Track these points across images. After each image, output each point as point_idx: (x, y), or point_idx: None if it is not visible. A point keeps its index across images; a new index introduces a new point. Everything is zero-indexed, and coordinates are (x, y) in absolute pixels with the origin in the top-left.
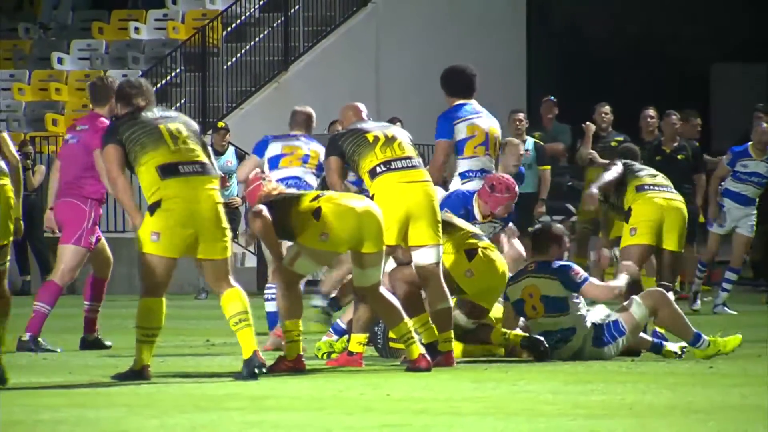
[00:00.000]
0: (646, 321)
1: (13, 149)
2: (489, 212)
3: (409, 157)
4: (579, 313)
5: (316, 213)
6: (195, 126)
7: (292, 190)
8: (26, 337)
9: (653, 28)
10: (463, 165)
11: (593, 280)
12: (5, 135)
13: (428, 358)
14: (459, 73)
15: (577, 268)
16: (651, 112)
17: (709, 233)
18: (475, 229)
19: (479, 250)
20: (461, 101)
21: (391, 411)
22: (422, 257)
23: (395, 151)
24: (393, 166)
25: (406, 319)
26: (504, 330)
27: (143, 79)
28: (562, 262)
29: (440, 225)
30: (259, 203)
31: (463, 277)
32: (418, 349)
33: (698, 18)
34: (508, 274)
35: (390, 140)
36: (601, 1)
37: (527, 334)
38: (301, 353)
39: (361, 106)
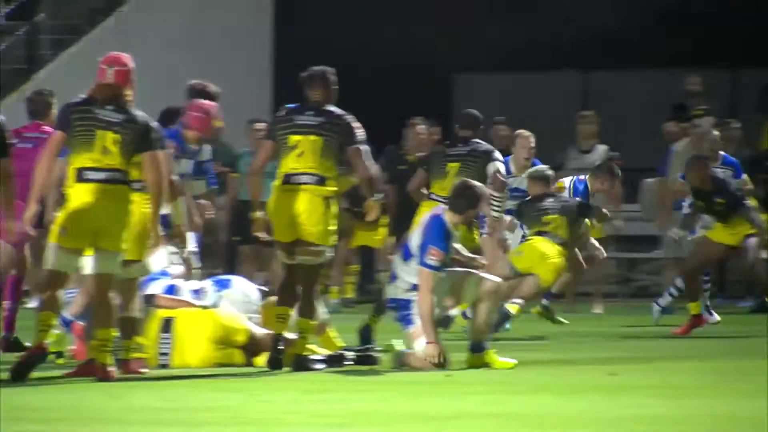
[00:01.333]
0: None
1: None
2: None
3: None
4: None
5: (65, 199)
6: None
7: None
8: None
9: (400, 38)
10: None
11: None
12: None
13: (112, 372)
14: None
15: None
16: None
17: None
18: None
19: None
20: None
21: (130, 422)
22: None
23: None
24: None
25: (115, 331)
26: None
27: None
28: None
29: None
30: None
31: None
32: (109, 359)
33: (442, 27)
34: None
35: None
36: (347, 14)
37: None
38: (46, 341)
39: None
